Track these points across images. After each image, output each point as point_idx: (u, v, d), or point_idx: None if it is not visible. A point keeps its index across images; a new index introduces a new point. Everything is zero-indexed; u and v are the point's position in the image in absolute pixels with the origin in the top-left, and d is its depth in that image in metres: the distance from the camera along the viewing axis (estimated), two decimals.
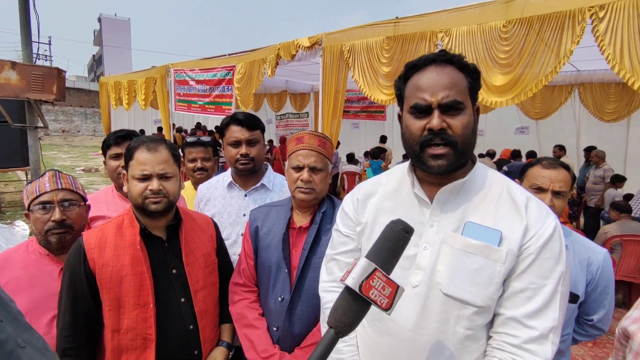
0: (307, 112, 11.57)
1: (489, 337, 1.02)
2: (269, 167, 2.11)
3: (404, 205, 1.11)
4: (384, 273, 0.76)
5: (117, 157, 2.00)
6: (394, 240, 0.79)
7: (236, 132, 1.93)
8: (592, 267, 1.59)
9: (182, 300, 1.47)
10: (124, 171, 1.48)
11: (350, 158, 8.89)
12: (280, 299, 1.56)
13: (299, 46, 5.51)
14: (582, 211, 7.24)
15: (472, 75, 1.02)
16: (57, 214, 1.53)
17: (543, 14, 3.49)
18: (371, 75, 4.71)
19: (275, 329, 1.56)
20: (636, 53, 3.17)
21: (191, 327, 1.47)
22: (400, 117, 1.11)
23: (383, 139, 9.60)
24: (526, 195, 1.04)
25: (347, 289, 0.75)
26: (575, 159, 7.92)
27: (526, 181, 1.68)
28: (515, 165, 7.54)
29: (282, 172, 1.98)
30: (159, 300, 1.41)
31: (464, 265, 0.99)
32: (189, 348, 1.47)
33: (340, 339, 1.19)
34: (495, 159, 8.51)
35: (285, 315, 1.53)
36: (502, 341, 0.97)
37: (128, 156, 1.44)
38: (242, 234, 1.94)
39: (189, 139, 2.61)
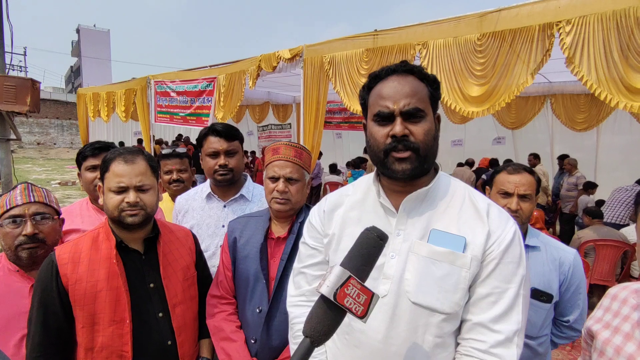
0: (290, 123, 11.61)
1: (457, 344, 1.03)
2: (248, 177, 2.11)
3: (370, 215, 1.11)
4: (359, 281, 0.77)
5: (93, 168, 1.96)
6: (369, 248, 0.80)
7: (214, 142, 1.92)
8: (563, 267, 1.65)
9: (160, 315, 1.44)
10: (100, 183, 1.45)
11: (333, 169, 8.94)
12: (258, 310, 1.54)
13: (280, 58, 5.56)
14: (558, 217, 7.45)
15: (432, 85, 1.06)
16: (28, 228, 1.48)
17: (514, 28, 3.63)
18: (351, 86, 4.79)
19: (253, 341, 1.54)
20: (601, 65, 3.33)
21: (169, 342, 1.44)
22: (365, 126, 1.13)
23: (365, 149, 9.70)
24: (487, 201, 1.07)
25: (322, 297, 0.76)
26: (549, 167, 8.18)
27: (494, 187, 1.75)
28: None
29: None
30: (135, 315, 1.37)
31: (431, 273, 1.00)
32: None
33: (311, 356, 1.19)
34: (474, 168, 8.70)
35: (263, 327, 1.52)
36: (469, 347, 0.99)
37: (104, 168, 1.42)
38: (220, 245, 1.92)
39: (164, 151, 2.59)
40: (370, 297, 0.78)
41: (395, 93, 1.02)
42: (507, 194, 1.68)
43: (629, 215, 5.37)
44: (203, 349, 1.61)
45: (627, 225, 5.17)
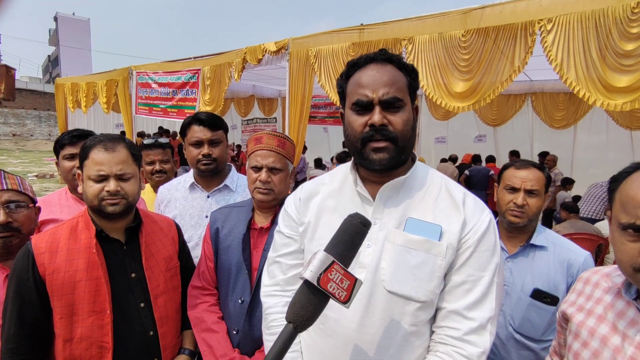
0: (275, 117, 11.54)
1: (432, 332, 1.04)
2: (233, 168, 2.08)
3: (346, 203, 1.10)
4: (342, 266, 0.77)
5: (71, 157, 1.91)
6: (352, 234, 0.80)
7: (198, 132, 1.89)
8: (572, 269, 1.58)
9: (142, 305, 1.42)
10: (79, 171, 1.41)
11: (318, 163, 8.94)
12: (240, 301, 1.53)
13: (266, 50, 5.51)
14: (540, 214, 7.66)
15: (410, 75, 1.05)
16: (1, 216, 1.43)
17: (498, 25, 3.69)
18: (335, 81, 4.79)
19: (235, 332, 1.53)
20: (580, 64, 3.42)
21: (151, 333, 1.42)
22: (342, 115, 1.12)
23: None
24: (463, 191, 1.08)
25: (306, 282, 0.76)
26: None
27: (502, 183, 1.71)
28: (476, 170, 7.88)
29: None
30: (116, 306, 1.35)
31: (406, 261, 1.00)
32: (149, 355, 1.42)
33: None
34: (457, 164, 8.84)
35: (245, 317, 1.51)
36: (444, 334, 1.00)
37: (83, 155, 1.38)
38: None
39: (146, 141, 2.54)
40: (354, 283, 0.78)
41: (374, 82, 1.00)
42: (513, 189, 1.65)
43: (604, 210, 5.56)
44: (186, 341, 1.59)
45: (602, 219, 5.35)
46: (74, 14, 46.40)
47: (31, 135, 26.44)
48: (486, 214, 1.04)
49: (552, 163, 7.21)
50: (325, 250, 0.78)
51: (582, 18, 3.36)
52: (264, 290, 1.23)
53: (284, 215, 1.23)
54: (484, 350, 0.96)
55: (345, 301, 0.77)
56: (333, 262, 0.76)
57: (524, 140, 8.80)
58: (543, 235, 1.68)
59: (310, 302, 0.76)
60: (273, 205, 1.60)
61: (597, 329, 0.99)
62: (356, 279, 0.79)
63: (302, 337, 1.13)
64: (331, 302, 0.78)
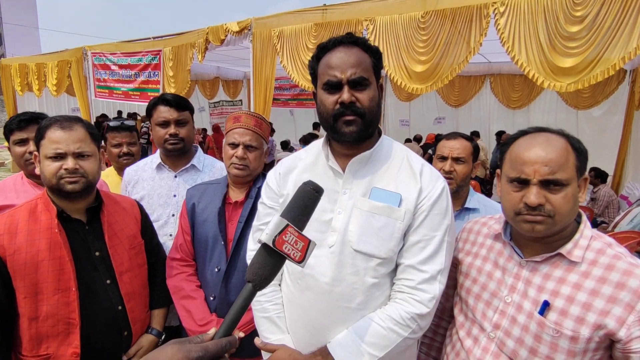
0: (241, 100, 11.34)
1: (392, 284, 1.21)
2: (199, 148, 2.11)
3: (320, 176, 1.23)
4: (296, 229, 0.84)
5: (22, 142, 1.85)
6: (305, 199, 0.88)
7: (164, 112, 1.91)
8: None
9: (108, 282, 1.45)
10: (36, 152, 1.40)
11: (285, 145, 8.94)
12: (216, 269, 1.62)
13: (228, 31, 5.38)
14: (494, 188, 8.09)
15: (375, 56, 1.17)
16: None
17: (455, 7, 3.81)
18: (299, 61, 4.79)
19: (212, 298, 1.62)
20: (530, 46, 3.62)
21: (119, 307, 1.46)
22: (314, 95, 1.24)
23: (315, 125, 9.80)
24: (421, 162, 1.23)
25: (263, 244, 0.82)
26: (487, 143, 8.77)
27: (436, 153, 1.89)
28: None
29: None
30: (82, 283, 1.37)
31: (370, 224, 1.15)
32: (119, 329, 1.46)
33: (268, 300, 1.29)
34: (421, 144, 9.12)
35: (222, 284, 1.60)
36: (401, 284, 1.17)
37: (39, 135, 1.37)
38: (172, 215, 1.93)
39: (112, 124, 2.48)
40: (307, 244, 0.85)
41: (342, 63, 1.12)
42: (443, 158, 1.81)
43: None
44: (154, 320, 1.64)
45: None
46: None
47: None
48: (440, 182, 1.19)
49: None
50: (281, 215, 0.85)
51: (532, 2, 3.54)
52: (249, 254, 1.40)
53: (266, 188, 1.36)
54: (433, 295, 1.14)
55: (300, 261, 0.85)
56: (287, 225, 0.83)
57: (483, 120, 9.17)
58: (475, 199, 1.85)
59: (267, 263, 0.83)
60: (247, 181, 1.68)
61: (483, 267, 1.22)
62: (309, 241, 0.85)
63: (283, 292, 1.30)
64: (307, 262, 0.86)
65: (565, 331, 1.00)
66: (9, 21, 39.97)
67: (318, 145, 1.30)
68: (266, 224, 1.29)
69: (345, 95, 1.11)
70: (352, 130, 1.13)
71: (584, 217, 1.12)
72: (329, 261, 1.17)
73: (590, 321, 0.97)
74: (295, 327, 1.25)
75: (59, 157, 1.34)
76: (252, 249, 1.37)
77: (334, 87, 1.13)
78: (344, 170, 1.21)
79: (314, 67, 1.21)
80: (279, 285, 1.32)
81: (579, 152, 1.06)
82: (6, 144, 1.96)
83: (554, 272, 1.06)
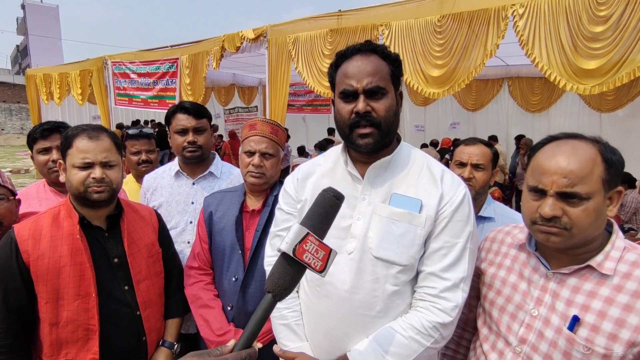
0: (256, 106, 11.44)
1: (413, 292, 1.18)
2: (217, 155, 2.12)
3: (339, 182, 1.21)
4: (317, 237, 0.82)
5: (45, 151, 1.89)
6: (326, 207, 0.85)
7: (182, 120, 1.93)
8: None
9: (126, 288, 1.45)
10: (61, 161, 1.42)
11: (301, 151, 8.97)
12: (234, 278, 1.61)
13: (244, 38, 5.45)
14: (514, 194, 7.90)
15: (394, 63, 1.15)
16: None
17: (472, 10, 3.75)
18: (314, 67, 4.80)
19: (229, 308, 1.61)
20: (552, 48, 3.53)
21: (138, 313, 1.46)
22: (333, 102, 1.23)
23: (330, 131, 9.79)
24: (442, 168, 1.21)
25: (283, 254, 0.80)
26: (505, 148, 8.59)
27: (454, 159, 1.85)
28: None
29: None
30: (101, 289, 1.38)
31: (391, 231, 1.13)
32: (137, 334, 1.46)
33: (286, 307, 1.27)
34: (438, 148, 9.01)
35: (239, 294, 1.59)
36: (423, 292, 1.14)
37: (66, 144, 1.39)
38: (190, 222, 1.94)
39: (131, 131, 2.53)
40: (329, 253, 0.83)
41: (358, 72, 1.11)
42: (462, 164, 1.77)
43: None
44: (167, 332, 1.60)
45: None
46: (41, 1, 44.40)
47: (2, 129, 25.43)
48: (461, 189, 1.17)
49: (526, 147, 7.39)
50: (300, 223, 0.83)
51: (553, 2, 3.46)
52: (266, 261, 1.37)
53: (283, 194, 1.35)
54: (456, 304, 1.10)
55: (321, 270, 0.82)
56: (308, 234, 0.80)
57: (501, 124, 8.98)
58: (491, 207, 1.80)
59: (287, 272, 0.80)
60: (264, 188, 1.67)
61: (508, 278, 1.16)
62: (331, 250, 0.82)
63: (302, 299, 1.29)
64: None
65: (597, 348, 0.94)
66: (35, 33, 41.54)
67: (337, 150, 1.29)
68: (284, 230, 1.32)
69: (361, 105, 1.11)
70: (367, 143, 1.13)
71: (616, 227, 1.05)
72: (348, 268, 1.15)
73: (624, 338, 0.92)
74: (314, 334, 1.23)
75: (87, 166, 1.36)
76: (269, 255, 1.36)
77: (350, 96, 1.13)
78: (362, 176, 1.19)
79: (332, 75, 1.21)
80: (297, 292, 1.31)
81: (610, 163, 0.98)
82: (30, 152, 2.01)
83: (583, 285, 1.01)
